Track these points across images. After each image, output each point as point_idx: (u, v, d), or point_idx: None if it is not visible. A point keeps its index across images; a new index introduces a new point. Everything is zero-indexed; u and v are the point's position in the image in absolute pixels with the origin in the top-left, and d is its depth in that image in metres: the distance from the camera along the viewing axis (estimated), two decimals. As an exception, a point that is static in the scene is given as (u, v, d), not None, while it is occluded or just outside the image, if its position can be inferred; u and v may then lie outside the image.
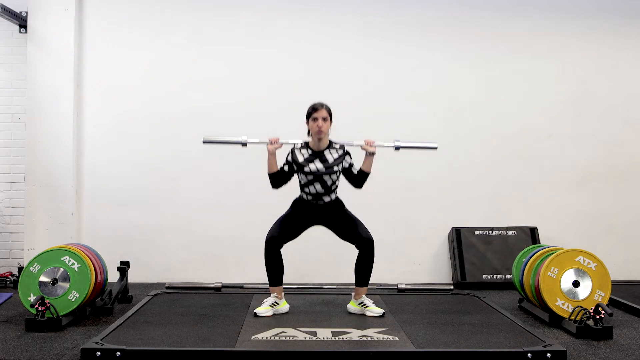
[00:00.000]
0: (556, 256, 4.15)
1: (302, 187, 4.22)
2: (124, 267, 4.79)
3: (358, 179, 4.21)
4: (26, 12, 5.52)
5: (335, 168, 4.15)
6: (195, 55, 5.70)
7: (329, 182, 4.15)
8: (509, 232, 5.73)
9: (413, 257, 5.77)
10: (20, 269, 5.00)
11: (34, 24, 5.51)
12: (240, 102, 5.67)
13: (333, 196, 4.23)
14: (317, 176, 4.13)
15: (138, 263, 5.41)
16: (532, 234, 5.71)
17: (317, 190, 4.16)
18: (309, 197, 4.20)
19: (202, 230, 5.67)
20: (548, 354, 3.29)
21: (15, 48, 5.61)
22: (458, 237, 5.68)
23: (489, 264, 5.60)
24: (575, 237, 5.73)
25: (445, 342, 3.57)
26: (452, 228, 5.74)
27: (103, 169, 5.65)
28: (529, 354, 3.29)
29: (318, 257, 5.58)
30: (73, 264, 4.06)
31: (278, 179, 4.19)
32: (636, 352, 3.53)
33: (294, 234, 4.26)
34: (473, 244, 5.67)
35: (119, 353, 3.25)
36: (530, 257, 4.45)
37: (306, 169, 4.13)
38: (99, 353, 3.24)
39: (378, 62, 5.76)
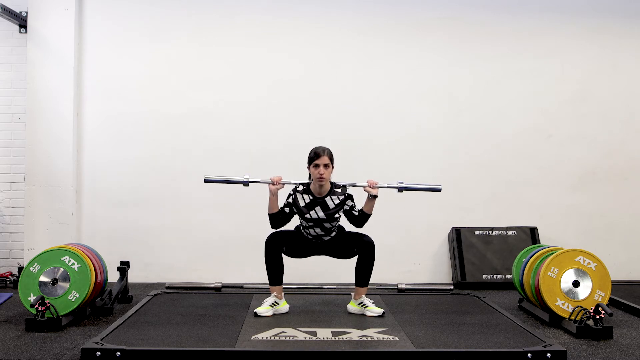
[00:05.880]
0: (556, 256, 4.15)
1: (303, 228, 4.26)
2: (124, 267, 4.79)
3: (359, 219, 4.22)
4: (26, 12, 5.52)
5: (336, 215, 4.18)
6: (195, 55, 5.70)
7: (329, 227, 4.19)
8: (509, 232, 5.73)
9: (413, 257, 5.77)
10: (20, 269, 5.01)
11: (34, 24, 5.50)
12: (240, 102, 5.67)
13: (333, 234, 4.27)
14: (317, 222, 4.16)
15: (138, 263, 5.43)
16: (532, 234, 5.71)
17: (317, 233, 4.21)
18: (310, 237, 4.26)
19: (202, 230, 5.67)
20: (548, 354, 3.29)
21: (15, 48, 5.61)
22: (458, 237, 5.68)
23: (489, 264, 5.60)
24: (575, 237, 5.74)
25: (445, 342, 3.57)
26: (452, 228, 5.74)
27: (103, 169, 5.64)
28: (529, 354, 3.29)
29: (318, 257, 5.57)
30: (73, 264, 4.06)
31: (278, 219, 4.20)
32: (636, 352, 3.53)
33: (294, 251, 4.28)
34: (473, 244, 5.67)
35: (119, 353, 3.25)
36: (530, 257, 4.45)
37: (307, 216, 4.16)
38: (99, 353, 3.25)
39: (378, 63, 5.75)
